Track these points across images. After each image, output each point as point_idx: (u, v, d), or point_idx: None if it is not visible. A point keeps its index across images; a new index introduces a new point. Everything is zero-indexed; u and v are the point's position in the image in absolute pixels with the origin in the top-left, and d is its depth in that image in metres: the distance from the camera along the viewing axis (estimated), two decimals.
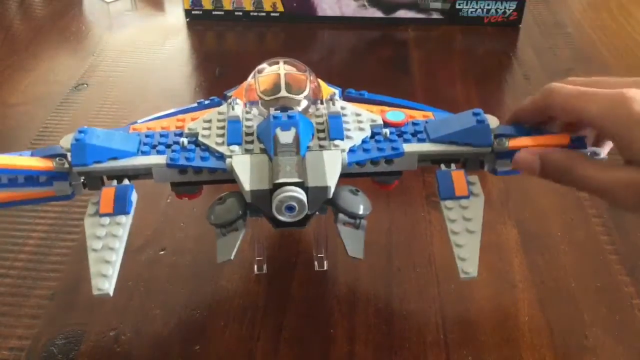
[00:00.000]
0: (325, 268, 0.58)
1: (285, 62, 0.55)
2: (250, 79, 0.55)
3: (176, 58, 1.00)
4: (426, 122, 0.53)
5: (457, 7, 1.06)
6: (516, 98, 0.88)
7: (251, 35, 1.07)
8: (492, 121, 0.51)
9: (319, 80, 0.56)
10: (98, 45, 1.03)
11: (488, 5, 1.06)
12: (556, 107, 0.48)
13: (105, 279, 0.43)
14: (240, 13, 1.09)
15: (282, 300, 0.57)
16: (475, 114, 0.51)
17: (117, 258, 0.45)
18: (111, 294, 0.43)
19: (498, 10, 1.06)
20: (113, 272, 0.44)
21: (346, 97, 0.57)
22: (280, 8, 1.08)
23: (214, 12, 1.09)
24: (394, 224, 0.65)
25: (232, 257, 0.48)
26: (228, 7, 1.08)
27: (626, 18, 1.11)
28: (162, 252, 0.62)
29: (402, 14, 1.08)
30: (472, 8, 1.06)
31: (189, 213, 0.66)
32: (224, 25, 1.08)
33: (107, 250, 0.45)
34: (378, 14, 1.08)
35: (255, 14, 1.08)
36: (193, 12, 1.09)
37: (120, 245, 0.45)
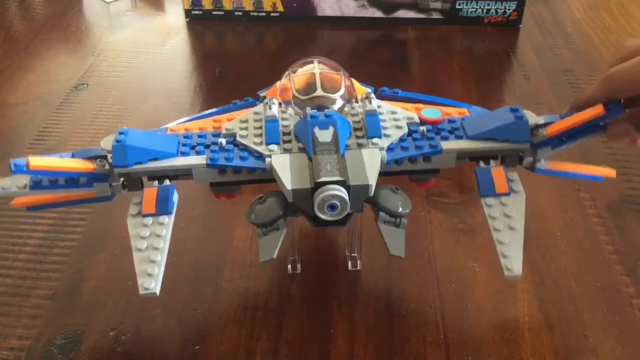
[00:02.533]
0: (358, 267, 0.59)
1: (319, 62, 0.55)
2: (284, 79, 0.55)
3: (176, 58, 1.00)
4: (462, 119, 0.53)
5: (457, 7, 1.06)
6: (516, 98, 0.88)
7: (251, 35, 1.07)
8: (531, 117, 0.51)
9: (352, 79, 0.57)
10: (98, 45, 1.03)
11: (488, 5, 1.05)
12: (624, 86, 0.47)
13: (152, 278, 0.44)
14: (240, 13, 1.08)
15: (282, 300, 0.57)
16: (513, 110, 0.51)
17: (162, 258, 0.45)
18: (157, 293, 0.43)
19: (498, 10, 1.06)
20: (159, 271, 0.44)
21: (379, 96, 0.57)
22: (280, 8, 1.08)
23: (214, 12, 1.09)
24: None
25: (274, 257, 0.49)
26: (228, 7, 1.08)
27: (626, 18, 1.11)
28: None
29: (402, 14, 1.08)
30: (472, 8, 1.06)
31: (189, 214, 0.66)
32: (224, 25, 1.08)
33: (152, 250, 0.45)
34: (378, 14, 1.08)
35: (255, 14, 1.08)
36: (193, 12, 1.09)
37: (164, 245, 0.46)
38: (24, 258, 0.62)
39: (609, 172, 0.54)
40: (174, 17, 1.12)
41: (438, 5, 1.06)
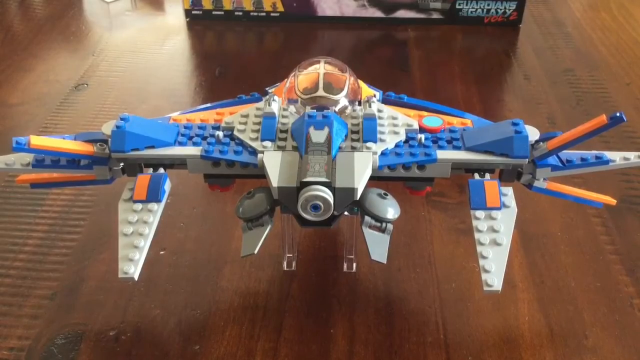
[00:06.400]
0: (354, 270, 0.59)
1: (326, 62, 0.55)
2: (290, 77, 0.55)
3: (176, 58, 1.00)
4: (463, 129, 0.53)
5: (457, 7, 1.06)
6: (516, 98, 0.88)
7: (251, 35, 1.07)
8: (532, 132, 0.50)
9: (360, 81, 0.57)
10: (98, 45, 1.03)
11: (488, 5, 1.06)
12: None
13: (132, 263, 0.44)
14: (240, 13, 1.09)
15: (282, 300, 0.57)
16: (514, 124, 0.50)
17: (145, 244, 0.46)
18: (136, 278, 0.44)
19: (498, 10, 1.06)
20: (140, 257, 0.45)
21: (385, 100, 0.57)
22: (280, 8, 1.08)
23: (214, 12, 1.09)
24: (394, 223, 0.65)
25: (255, 252, 0.49)
26: (228, 7, 1.08)
27: (626, 18, 1.11)
28: (162, 252, 0.62)
29: (402, 14, 1.08)
30: (472, 8, 1.06)
31: (189, 213, 0.66)
32: (224, 25, 1.08)
33: (137, 236, 0.46)
34: (378, 14, 1.08)
35: (255, 14, 1.08)
36: (193, 12, 1.09)
37: (149, 232, 0.47)
38: (24, 258, 0.62)
39: (609, 200, 0.54)
40: (174, 17, 1.12)
41: (438, 5, 1.06)
